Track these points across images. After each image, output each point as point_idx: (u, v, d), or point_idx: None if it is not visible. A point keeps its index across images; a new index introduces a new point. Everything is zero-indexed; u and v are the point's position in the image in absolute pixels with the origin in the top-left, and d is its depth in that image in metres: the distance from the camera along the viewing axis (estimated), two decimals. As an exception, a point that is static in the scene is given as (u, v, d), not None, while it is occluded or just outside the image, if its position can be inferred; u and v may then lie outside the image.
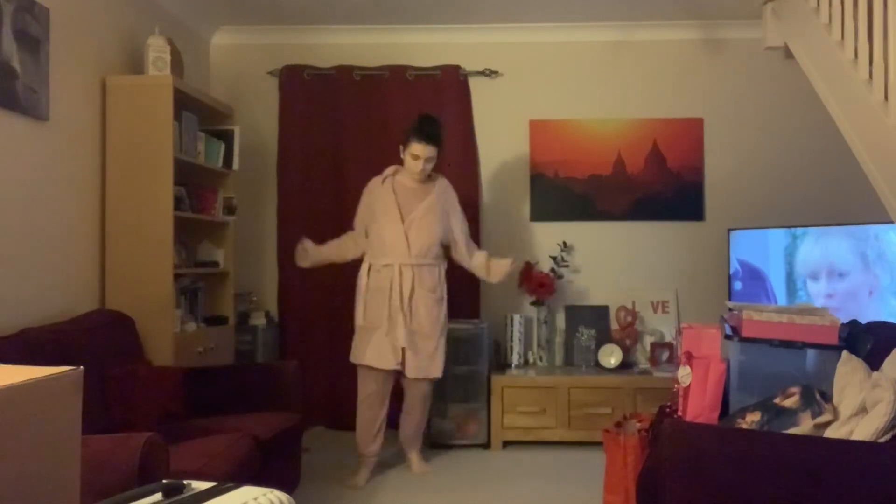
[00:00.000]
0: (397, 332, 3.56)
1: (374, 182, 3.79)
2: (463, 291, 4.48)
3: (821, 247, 3.88)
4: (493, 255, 3.90)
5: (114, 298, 3.47)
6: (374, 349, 3.59)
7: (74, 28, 3.31)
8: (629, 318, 4.60)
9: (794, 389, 2.31)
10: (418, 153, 3.59)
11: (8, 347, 2.52)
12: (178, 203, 3.66)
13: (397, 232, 3.60)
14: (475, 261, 3.82)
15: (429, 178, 3.74)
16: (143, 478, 1.98)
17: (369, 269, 3.67)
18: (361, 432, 3.67)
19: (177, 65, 3.68)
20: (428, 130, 3.59)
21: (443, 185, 3.78)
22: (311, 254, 3.84)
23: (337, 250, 3.87)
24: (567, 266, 4.70)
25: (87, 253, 3.42)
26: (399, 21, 4.67)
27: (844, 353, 2.32)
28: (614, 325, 4.64)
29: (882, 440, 1.96)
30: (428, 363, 3.64)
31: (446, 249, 3.80)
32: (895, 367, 2.11)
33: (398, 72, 4.75)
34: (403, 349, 3.57)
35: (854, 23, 3.05)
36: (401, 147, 3.69)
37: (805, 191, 4.65)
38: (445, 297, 3.73)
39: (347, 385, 4.66)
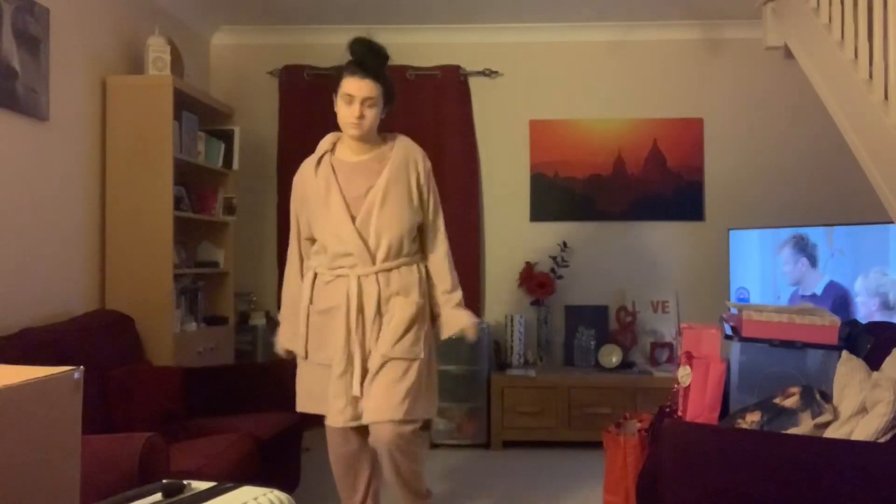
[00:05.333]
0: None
1: (305, 168, 2.67)
2: (462, 291, 4.47)
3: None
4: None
5: (114, 298, 3.47)
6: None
7: (74, 28, 3.31)
8: (629, 318, 4.61)
9: (794, 389, 2.31)
10: (352, 91, 2.50)
11: (8, 347, 2.52)
12: (178, 203, 3.66)
13: (349, 234, 2.54)
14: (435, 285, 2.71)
15: (381, 140, 2.66)
16: (143, 478, 1.98)
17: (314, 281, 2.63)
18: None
19: (177, 65, 3.68)
20: (363, 56, 2.51)
21: (401, 150, 2.63)
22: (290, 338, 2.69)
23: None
24: (567, 266, 4.70)
25: (87, 253, 3.42)
26: (399, 21, 4.67)
27: (844, 353, 2.31)
28: (614, 325, 4.64)
29: (882, 440, 1.96)
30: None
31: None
32: (895, 367, 2.11)
33: (398, 72, 4.74)
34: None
35: (854, 23, 3.06)
36: (333, 97, 2.61)
37: (805, 191, 4.65)
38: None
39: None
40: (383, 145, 2.64)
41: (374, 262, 2.54)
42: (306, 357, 2.61)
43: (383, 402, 2.47)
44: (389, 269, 2.56)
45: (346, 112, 2.54)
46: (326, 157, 2.64)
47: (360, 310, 2.52)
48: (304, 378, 2.65)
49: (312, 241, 2.67)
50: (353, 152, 2.62)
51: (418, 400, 2.54)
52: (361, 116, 2.51)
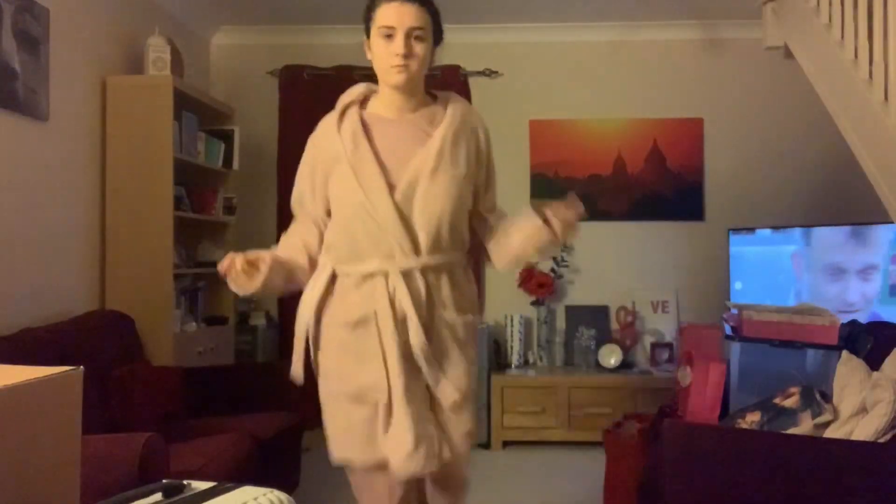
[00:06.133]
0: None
1: (325, 125, 1.99)
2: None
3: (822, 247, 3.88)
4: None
5: (114, 298, 3.47)
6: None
7: (74, 28, 3.31)
8: (629, 318, 4.60)
9: (794, 389, 2.31)
10: (391, 21, 1.85)
11: (8, 347, 2.52)
12: (178, 203, 3.66)
13: (385, 209, 1.87)
14: (521, 228, 2.19)
15: (430, 96, 2.02)
16: (143, 478, 1.98)
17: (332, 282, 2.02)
18: None
19: (177, 65, 3.68)
20: None
21: (459, 108, 1.99)
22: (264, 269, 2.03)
23: (287, 268, 2.15)
24: (567, 266, 4.70)
25: (87, 253, 3.42)
26: (399, 21, 4.67)
27: (844, 353, 2.32)
28: (614, 325, 4.64)
29: (882, 440, 1.96)
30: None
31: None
32: (895, 367, 2.11)
33: (398, 72, 4.73)
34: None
35: (854, 23, 3.05)
36: (364, 41, 1.95)
37: (805, 191, 4.65)
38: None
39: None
40: (433, 103, 1.99)
41: (417, 253, 1.89)
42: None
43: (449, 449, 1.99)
44: (438, 268, 1.93)
45: (385, 51, 1.86)
46: (353, 110, 1.96)
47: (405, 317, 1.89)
48: (338, 418, 1.97)
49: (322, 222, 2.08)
50: (393, 108, 1.95)
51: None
52: (408, 54, 1.84)
